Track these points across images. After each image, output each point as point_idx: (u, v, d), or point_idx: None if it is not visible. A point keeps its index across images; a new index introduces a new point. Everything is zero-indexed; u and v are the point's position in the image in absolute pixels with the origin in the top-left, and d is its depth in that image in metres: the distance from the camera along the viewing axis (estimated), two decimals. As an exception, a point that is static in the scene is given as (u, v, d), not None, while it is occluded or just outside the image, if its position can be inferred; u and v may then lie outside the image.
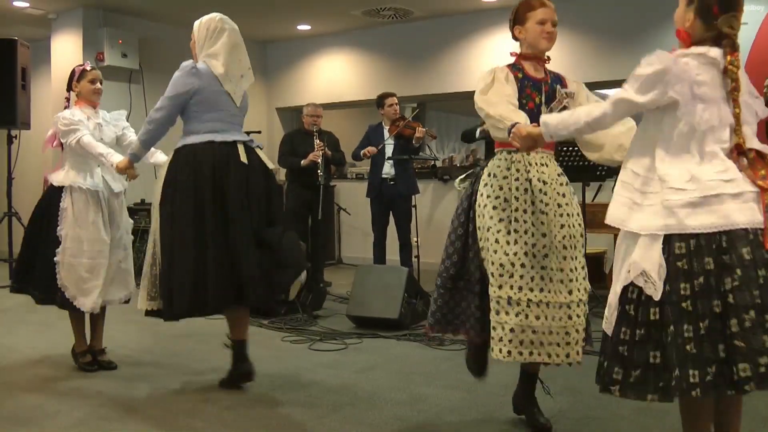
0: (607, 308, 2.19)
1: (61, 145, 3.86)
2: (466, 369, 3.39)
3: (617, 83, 8.93)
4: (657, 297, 2.03)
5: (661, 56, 2.10)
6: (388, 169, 6.08)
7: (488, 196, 2.77)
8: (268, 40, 9.13)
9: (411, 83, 8.15)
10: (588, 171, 5.10)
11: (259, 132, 7.59)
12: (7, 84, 6.83)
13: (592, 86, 7.78)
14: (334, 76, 8.85)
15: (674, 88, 2.07)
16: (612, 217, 2.19)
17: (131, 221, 4.12)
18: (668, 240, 2.04)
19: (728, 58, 2.09)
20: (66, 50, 7.58)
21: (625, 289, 2.11)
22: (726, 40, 2.10)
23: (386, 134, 6.17)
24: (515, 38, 2.90)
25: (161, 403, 3.39)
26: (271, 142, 8.83)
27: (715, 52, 2.10)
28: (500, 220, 2.72)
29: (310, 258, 6.40)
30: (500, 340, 2.67)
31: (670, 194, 2.04)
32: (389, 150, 6.08)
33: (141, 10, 7.55)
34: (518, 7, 2.87)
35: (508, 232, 2.71)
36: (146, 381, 3.72)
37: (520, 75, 2.82)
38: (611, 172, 5.65)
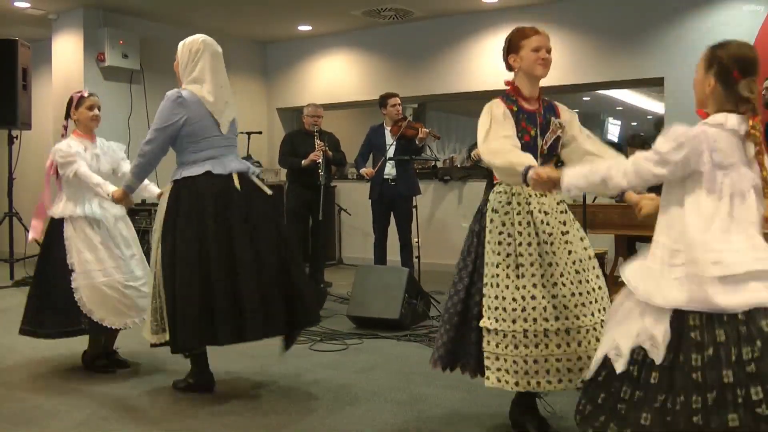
0: (601, 349, 2.21)
1: (58, 174, 3.85)
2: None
3: (617, 83, 8.91)
4: (658, 361, 2.04)
5: (679, 131, 2.11)
6: (389, 170, 6.08)
7: (491, 232, 2.79)
8: (268, 40, 9.13)
9: (411, 84, 8.15)
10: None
11: (260, 132, 7.62)
12: (7, 84, 6.85)
13: (593, 86, 7.83)
14: (334, 77, 8.85)
15: (692, 160, 2.08)
16: (641, 292, 2.16)
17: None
18: (682, 311, 2.04)
19: (750, 122, 2.10)
20: (67, 51, 7.59)
21: (631, 350, 2.12)
22: (746, 105, 2.11)
23: (388, 135, 6.17)
24: (509, 68, 2.90)
25: (161, 404, 3.39)
26: (272, 143, 8.84)
27: (732, 121, 2.11)
28: (507, 255, 2.75)
29: (310, 258, 6.42)
30: (526, 373, 2.69)
31: (696, 268, 2.04)
32: (390, 151, 6.07)
33: (142, 10, 7.55)
34: (512, 36, 2.87)
35: (517, 267, 2.73)
36: (146, 382, 3.72)
37: (515, 108, 2.81)
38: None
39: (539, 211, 2.77)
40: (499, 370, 2.72)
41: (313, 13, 7.83)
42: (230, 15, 7.76)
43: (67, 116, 3.99)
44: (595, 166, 2.36)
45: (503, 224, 2.78)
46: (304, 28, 8.50)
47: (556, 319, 2.69)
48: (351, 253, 8.55)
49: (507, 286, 2.72)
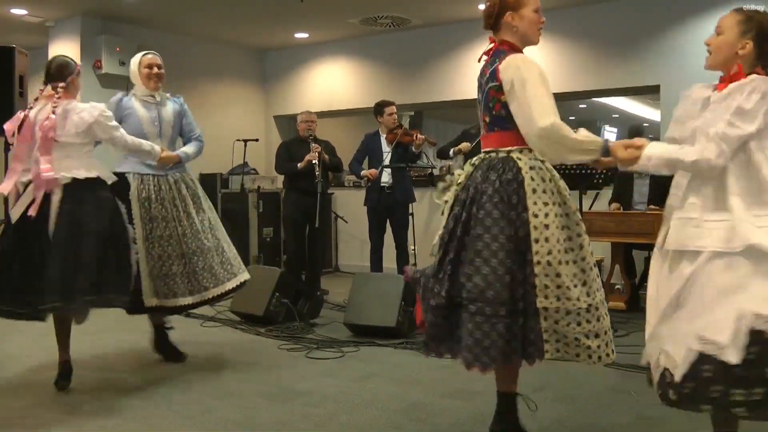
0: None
1: (53, 139, 3.49)
2: (462, 377, 3.38)
3: (613, 91, 8.85)
4: None
5: (754, 85, 2.13)
6: (385, 178, 6.08)
7: (543, 202, 2.50)
8: (266, 48, 9.15)
9: (408, 91, 8.17)
10: (585, 179, 5.11)
11: (257, 140, 7.61)
12: (4, 91, 6.81)
13: (589, 94, 7.83)
14: (331, 84, 8.87)
15: None
16: (742, 238, 2.07)
17: None
18: None
19: None
20: (64, 58, 7.58)
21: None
22: None
23: (383, 142, 6.18)
24: (493, 27, 2.71)
25: (159, 412, 3.37)
26: (269, 150, 8.84)
27: None
28: (563, 227, 2.51)
29: (308, 266, 6.41)
30: (607, 345, 2.54)
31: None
32: (386, 158, 6.08)
33: (139, 17, 7.56)
34: None
35: (569, 239, 2.53)
36: (144, 389, 3.71)
37: None
38: (608, 180, 5.64)
39: (559, 178, 2.58)
40: (558, 341, 2.53)
41: (311, 21, 7.85)
42: (228, 22, 7.77)
43: (64, 80, 3.64)
44: (682, 150, 2.21)
45: (552, 193, 2.52)
46: (302, 35, 8.52)
47: (598, 290, 2.56)
48: (347, 261, 8.54)
49: (567, 262, 2.49)
